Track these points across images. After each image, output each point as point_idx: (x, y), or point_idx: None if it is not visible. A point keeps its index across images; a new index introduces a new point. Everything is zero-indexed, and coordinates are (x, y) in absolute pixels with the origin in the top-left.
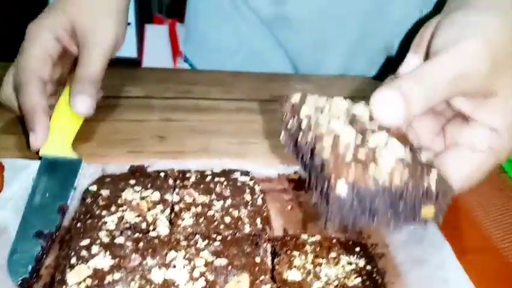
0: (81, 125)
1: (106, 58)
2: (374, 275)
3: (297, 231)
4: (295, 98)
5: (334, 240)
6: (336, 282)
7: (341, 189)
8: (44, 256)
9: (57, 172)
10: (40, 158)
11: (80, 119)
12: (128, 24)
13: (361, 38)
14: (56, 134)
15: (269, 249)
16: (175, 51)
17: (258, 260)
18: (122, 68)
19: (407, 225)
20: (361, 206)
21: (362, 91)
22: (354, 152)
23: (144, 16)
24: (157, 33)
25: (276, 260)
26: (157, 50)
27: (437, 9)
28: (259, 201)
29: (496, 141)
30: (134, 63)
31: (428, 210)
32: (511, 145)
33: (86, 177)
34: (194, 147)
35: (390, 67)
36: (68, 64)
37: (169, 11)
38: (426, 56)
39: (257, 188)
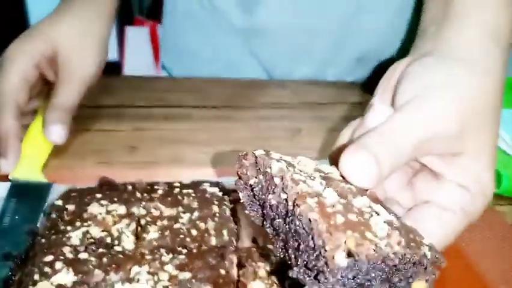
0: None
1: (84, 88)
2: None
3: (266, 240)
4: (258, 152)
5: None
6: None
7: (341, 260)
8: (13, 277)
9: (27, 195)
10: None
11: (51, 144)
12: None
13: (334, 48)
14: (27, 159)
15: (235, 260)
16: (157, 53)
17: (222, 272)
18: None
19: None
20: (355, 281)
21: (342, 96)
22: (344, 214)
23: (125, 18)
24: (138, 35)
25: (241, 272)
26: (138, 52)
27: (412, 19)
28: (227, 212)
29: (469, 203)
30: (114, 67)
31: (418, 284)
32: (484, 205)
33: (56, 194)
34: (166, 157)
35: (365, 72)
36: (40, 87)
37: (149, 13)
38: (393, 101)
39: (226, 199)
